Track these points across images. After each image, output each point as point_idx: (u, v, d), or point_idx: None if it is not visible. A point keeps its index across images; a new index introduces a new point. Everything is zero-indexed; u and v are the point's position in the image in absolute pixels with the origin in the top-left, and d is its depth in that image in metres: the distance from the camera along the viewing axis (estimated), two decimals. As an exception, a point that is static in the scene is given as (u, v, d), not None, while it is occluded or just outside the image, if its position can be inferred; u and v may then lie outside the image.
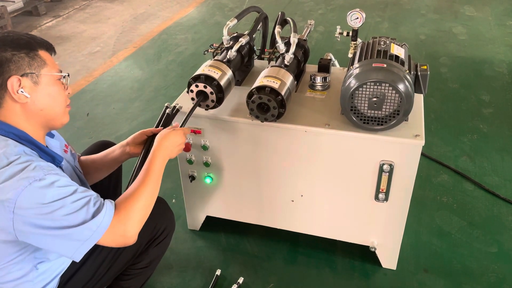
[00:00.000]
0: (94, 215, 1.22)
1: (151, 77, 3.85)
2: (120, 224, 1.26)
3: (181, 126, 1.63)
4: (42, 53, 1.31)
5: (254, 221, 2.12)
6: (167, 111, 1.74)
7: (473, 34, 4.44)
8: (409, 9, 5.13)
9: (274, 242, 2.17)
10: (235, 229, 2.22)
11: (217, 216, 2.16)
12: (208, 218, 2.19)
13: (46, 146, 1.38)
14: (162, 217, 1.65)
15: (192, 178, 2.03)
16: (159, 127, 1.68)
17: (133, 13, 5.40)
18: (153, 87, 3.67)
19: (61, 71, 1.36)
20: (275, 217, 2.05)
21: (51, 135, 1.49)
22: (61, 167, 1.41)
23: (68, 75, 1.38)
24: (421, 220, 2.28)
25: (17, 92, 1.25)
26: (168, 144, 1.49)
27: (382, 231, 1.92)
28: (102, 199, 1.29)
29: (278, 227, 2.09)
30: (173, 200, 2.42)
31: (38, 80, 1.28)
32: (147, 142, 1.66)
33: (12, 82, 1.23)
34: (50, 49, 1.35)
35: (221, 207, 2.11)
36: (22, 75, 1.25)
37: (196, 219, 2.21)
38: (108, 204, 1.28)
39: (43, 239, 1.21)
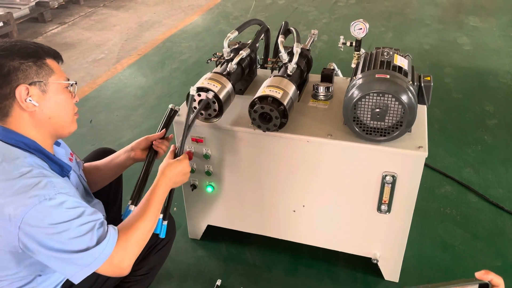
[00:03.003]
0: (98, 242, 1.22)
1: (154, 85, 3.86)
2: (118, 255, 1.26)
3: (182, 138, 1.61)
4: (50, 62, 1.31)
5: (255, 231, 2.10)
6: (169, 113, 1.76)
7: (478, 44, 4.43)
8: (414, 19, 5.13)
9: (275, 252, 2.15)
10: (236, 238, 2.21)
11: (218, 226, 2.15)
12: (209, 227, 2.17)
13: (54, 155, 1.38)
14: None
15: (194, 187, 2.02)
16: (162, 130, 1.73)
17: (138, 21, 5.43)
18: (156, 95, 3.68)
19: (68, 79, 1.36)
20: (276, 227, 2.04)
21: (57, 143, 1.49)
22: (68, 177, 1.41)
23: (76, 83, 1.39)
24: (424, 232, 2.26)
25: (25, 101, 1.25)
26: (173, 174, 1.49)
27: (385, 243, 1.90)
28: (106, 225, 1.28)
29: (279, 237, 2.07)
30: (175, 208, 2.41)
31: (46, 89, 1.29)
32: (151, 149, 1.69)
33: (20, 91, 1.24)
34: (57, 57, 1.36)
35: (222, 216, 2.10)
36: (30, 84, 1.25)
37: (197, 228, 2.20)
38: (112, 231, 1.27)
39: (45, 257, 1.22)
